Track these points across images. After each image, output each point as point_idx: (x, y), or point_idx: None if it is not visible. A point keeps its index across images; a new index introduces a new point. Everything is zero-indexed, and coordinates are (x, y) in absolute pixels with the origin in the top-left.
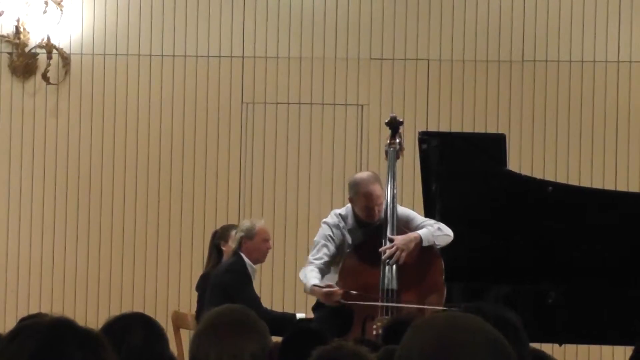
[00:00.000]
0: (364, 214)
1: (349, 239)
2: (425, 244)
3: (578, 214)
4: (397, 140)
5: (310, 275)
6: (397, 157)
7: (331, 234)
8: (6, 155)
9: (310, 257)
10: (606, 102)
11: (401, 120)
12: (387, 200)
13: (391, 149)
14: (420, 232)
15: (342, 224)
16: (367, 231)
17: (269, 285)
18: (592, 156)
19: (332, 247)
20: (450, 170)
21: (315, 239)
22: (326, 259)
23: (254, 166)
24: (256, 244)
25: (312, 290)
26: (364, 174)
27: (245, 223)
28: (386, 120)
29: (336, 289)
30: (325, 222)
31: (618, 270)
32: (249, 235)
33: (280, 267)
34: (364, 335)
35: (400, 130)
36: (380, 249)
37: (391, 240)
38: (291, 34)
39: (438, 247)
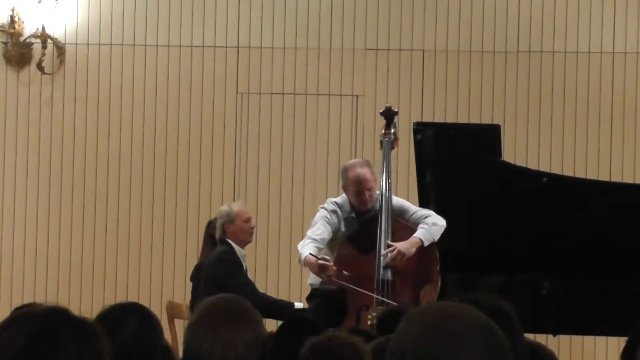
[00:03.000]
0: (355, 200)
1: (343, 227)
2: (426, 244)
3: (572, 204)
4: (392, 131)
5: (308, 246)
6: (392, 148)
7: (328, 216)
8: (0, 145)
9: (309, 233)
10: (601, 93)
11: (396, 110)
12: (382, 190)
13: (386, 139)
14: (419, 234)
15: (338, 212)
16: (362, 221)
17: (263, 274)
18: (587, 147)
19: (329, 228)
20: (445, 160)
21: (314, 220)
22: (325, 236)
23: (248, 156)
24: (239, 226)
25: (307, 259)
26: (354, 160)
27: (223, 208)
28: (381, 110)
29: (331, 264)
30: (322, 207)
31: (612, 261)
32: (229, 219)
33: (275, 257)
34: (358, 326)
35: (395, 120)
36: (382, 254)
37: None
38: (286, 24)
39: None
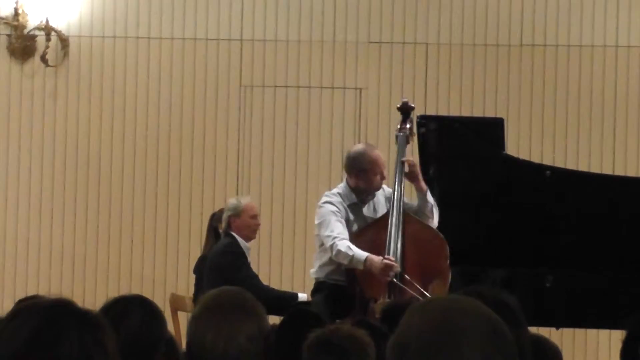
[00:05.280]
0: (374, 180)
1: (351, 215)
2: (427, 196)
3: (576, 198)
4: (408, 126)
5: (353, 246)
6: (407, 143)
7: (337, 209)
8: (4, 137)
9: (333, 234)
10: (604, 87)
11: (413, 105)
12: (394, 185)
13: (401, 134)
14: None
15: (343, 202)
16: (365, 208)
17: (267, 268)
18: (590, 140)
19: (343, 222)
20: (449, 154)
21: (323, 218)
22: (346, 232)
23: (252, 149)
24: (244, 221)
25: (369, 259)
26: (360, 144)
27: (231, 201)
28: (398, 105)
29: (397, 264)
30: (327, 202)
31: (615, 255)
32: (236, 213)
33: (278, 251)
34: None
35: (412, 115)
36: (403, 159)
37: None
38: (290, 17)
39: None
